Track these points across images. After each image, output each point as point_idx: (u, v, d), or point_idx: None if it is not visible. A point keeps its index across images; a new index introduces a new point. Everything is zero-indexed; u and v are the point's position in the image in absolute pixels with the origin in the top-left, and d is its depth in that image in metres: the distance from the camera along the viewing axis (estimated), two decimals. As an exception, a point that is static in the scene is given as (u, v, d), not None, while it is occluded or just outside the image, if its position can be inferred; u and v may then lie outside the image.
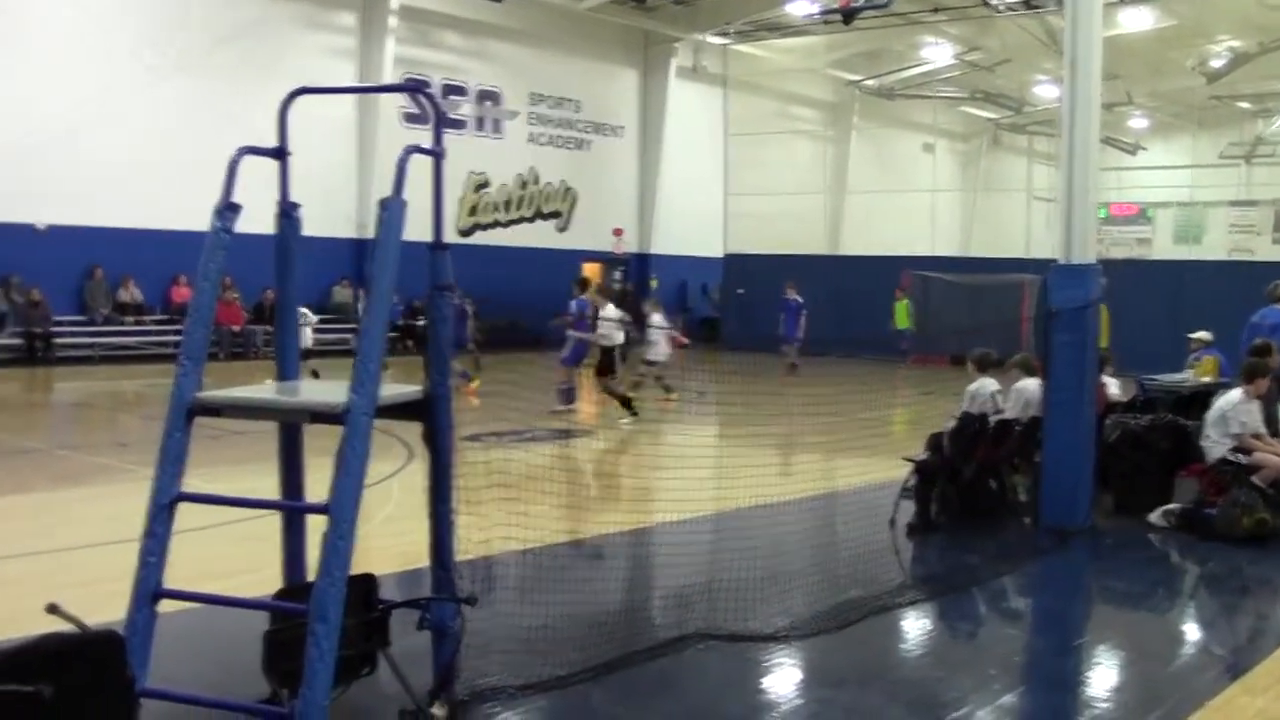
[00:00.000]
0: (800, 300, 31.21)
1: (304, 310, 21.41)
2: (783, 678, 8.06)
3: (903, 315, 36.56)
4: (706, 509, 12.85)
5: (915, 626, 9.51)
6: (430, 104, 8.01)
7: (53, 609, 5.79)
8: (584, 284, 23.16)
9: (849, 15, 31.52)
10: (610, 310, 22.29)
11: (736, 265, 41.87)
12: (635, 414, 20.88)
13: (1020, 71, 45.56)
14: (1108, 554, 12.26)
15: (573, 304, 22.52)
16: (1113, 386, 15.21)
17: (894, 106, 48.63)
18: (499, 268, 35.37)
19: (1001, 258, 37.33)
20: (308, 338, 22.28)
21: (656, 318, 25.54)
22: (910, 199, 46.51)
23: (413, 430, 6.86)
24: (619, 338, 21.94)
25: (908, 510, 12.66)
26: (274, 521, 7.52)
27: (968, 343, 15.63)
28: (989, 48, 42.83)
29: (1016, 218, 50.11)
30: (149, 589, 6.01)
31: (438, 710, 6.69)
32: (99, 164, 30.13)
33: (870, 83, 46.65)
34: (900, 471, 13.02)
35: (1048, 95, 46.20)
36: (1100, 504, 13.18)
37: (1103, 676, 8.49)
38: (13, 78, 29.15)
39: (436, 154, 6.89)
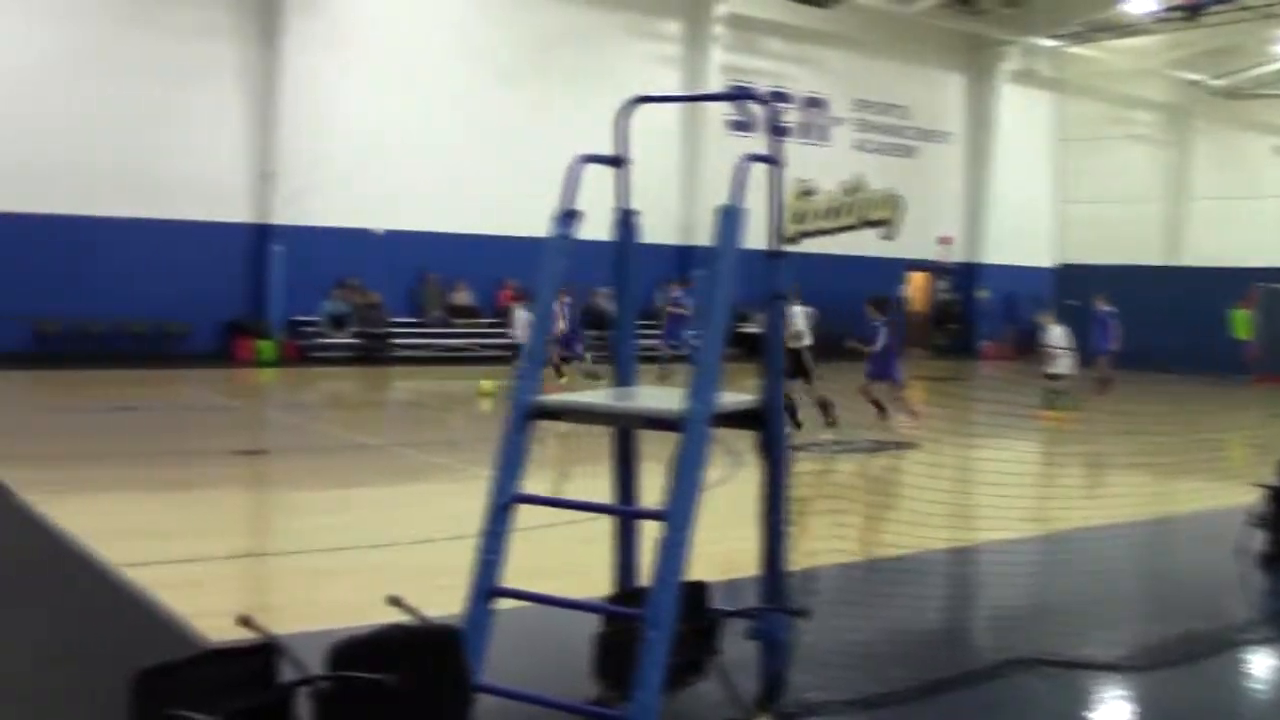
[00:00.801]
0: (1110, 310, 29.36)
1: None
2: (1119, 712, 7.72)
3: (1242, 325, 34.76)
4: (1031, 529, 12.51)
5: (1269, 666, 8.98)
6: (765, 111, 7.99)
7: (395, 601, 5.97)
8: (881, 304, 21.98)
9: (1195, 10, 30.18)
10: (796, 309, 21.31)
11: (1069, 275, 40.68)
12: (832, 424, 19.67)
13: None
14: None
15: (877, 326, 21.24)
16: None
17: (1240, 106, 46.54)
18: (824, 276, 35.22)
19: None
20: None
21: (1057, 331, 24.59)
22: (1260, 206, 44.36)
23: (734, 436, 6.83)
24: (807, 339, 21.05)
25: (1258, 540, 11.96)
26: (599, 525, 7.60)
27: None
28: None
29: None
30: (486, 586, 6.14)
31: (764, 721, 6.66)
32: (433, 171, 31.24)
33: (1215, 83, 44.75)
34: (1247, 497, 12.35)
35: None
36: None
37: None
38: (352, 91, 30.49)
39: (774, 161, 6.85)
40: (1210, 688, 8.18)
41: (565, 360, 25.04)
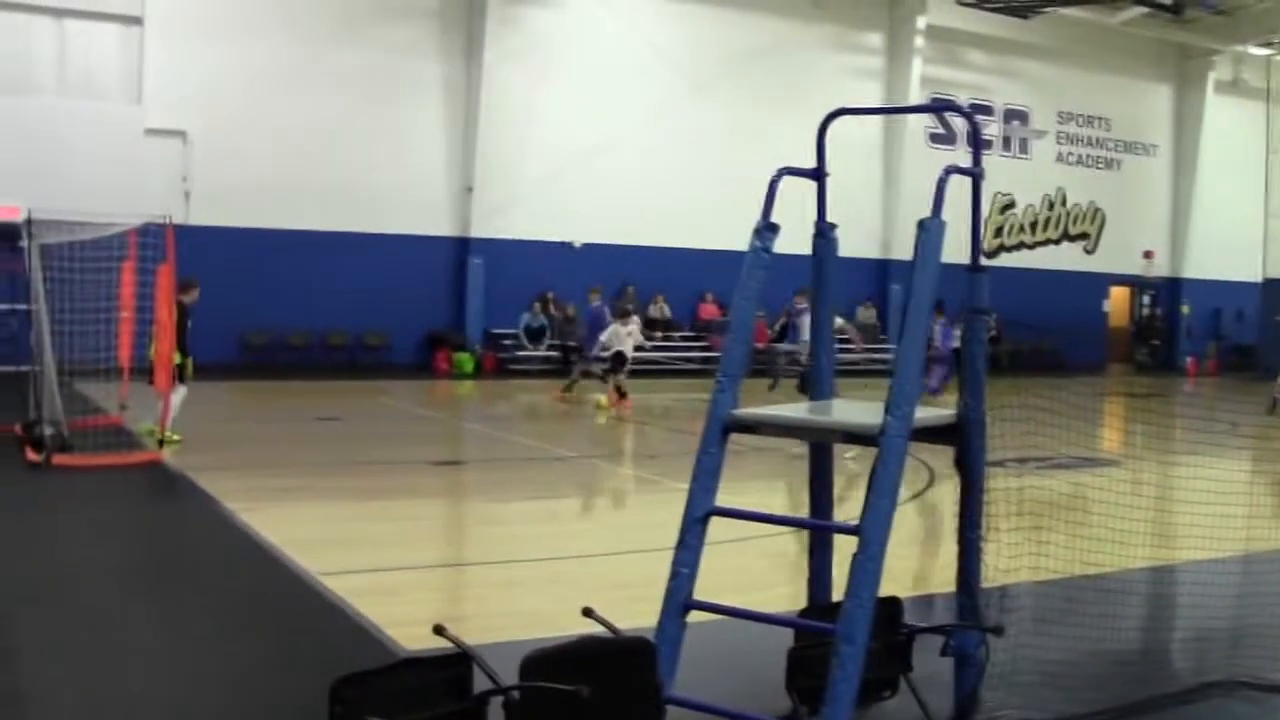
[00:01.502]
0: None
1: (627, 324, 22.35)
2: (1324, 736, 7.54)
3: None
4: (1235, 549, 12.19)
5: None
6: (968, 123, 7.94)
7: (588, 612, 6.06)
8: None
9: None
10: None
11: (1276, 290, 39.54)
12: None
13: None
14: None
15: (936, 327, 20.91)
16: None
17: None
18: (1025, 290, 34.75)
19: None
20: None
21: None
22: None
23: (932, 450, 6.80)
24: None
25: None
26: (791, 539, 7.61)
27: None
28: None
29: None
30: (680, 599, 6.18)
31: (958, 739, 6.62)
32: (631, 185, 31.50)
33: None
34: None
35: None
36: None
37: None
38: (550, 105, 30.93)
39: (975, 174, 6.82)
40: None
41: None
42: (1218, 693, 7.90)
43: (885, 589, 6.83)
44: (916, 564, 11.06)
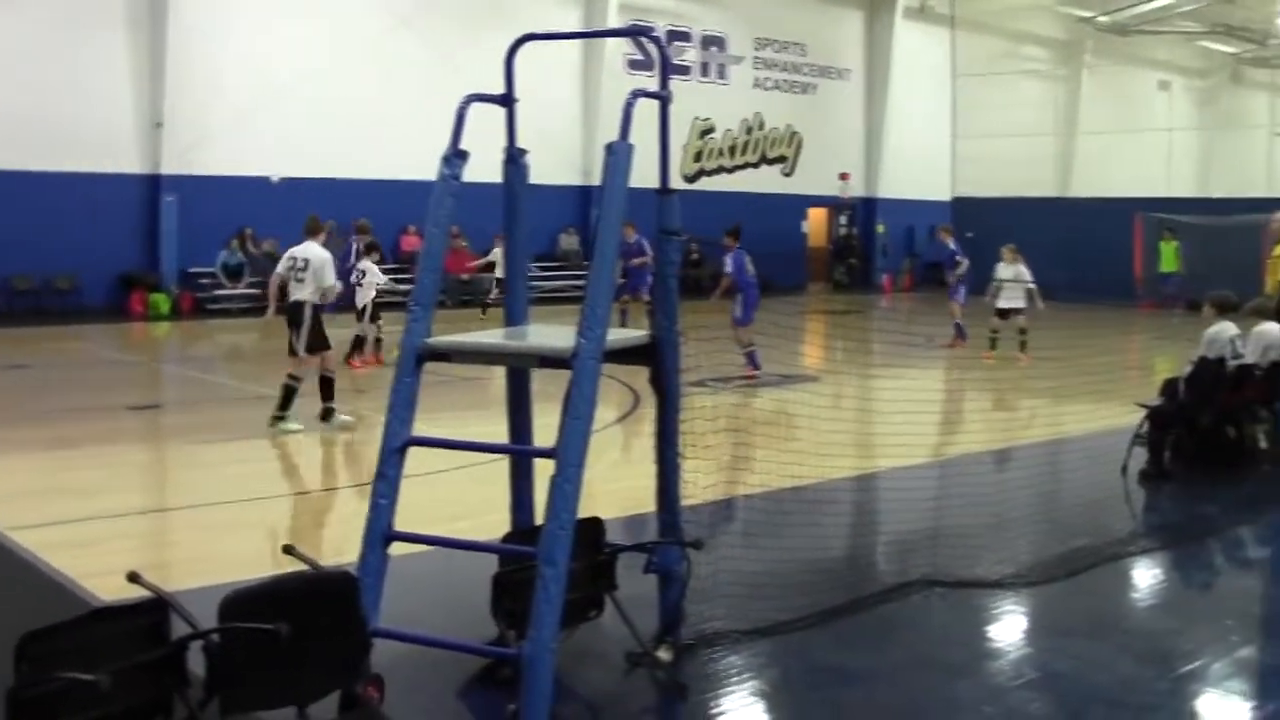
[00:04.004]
0: (953, 247, 26.54)
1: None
2: (1009, 626, 7.95)
3: (1170, 258, 35.03)
4: (931, 455, 12.69)
5: (1148, 576, 9.28)
6: (655, 47, 7.99)
7: (289, 550, 5.98)
8: (736, 234, 20.00)
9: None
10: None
11: (965, 209, 41.06)
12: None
13: (1264, 3, 43.66)
14: (1353, 503, 11.77)
15: (728, 259, 19.82)
16: None
17: (1128, 43, 47.04)
18: (724, 213, 35.28)
19: (1242, 198, 35.93)
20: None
21: (1020, 268, 22.39)
22: (1145, 139, 44.99)
23: (637, 375, 6.88)
24: None
25: (1141, 458, 12.31)
26: (501, 466, 7.63)
27: (1204, 286, 15.02)
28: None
29: (1258, 156, 48.17)
30: (380, 531, 6.14)
31: (663, 653, 6.74)
32: (329, 116, 30.84)
33: (1104, 19, 45.16)
34: (1133, 418, 12.66)
35: (1294, 28, 44.15)
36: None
37: (1348, 631, 8.18)
38: (245, 34, 29.96)
39: (663, 97, 6.89)
40: (1092, 597, 8.43)
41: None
42: (913, 591, 8.26)
43: (595, 511, 6.93)
44: (626, 485, 11.21)
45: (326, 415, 14.36)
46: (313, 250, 14.64)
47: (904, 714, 6.38)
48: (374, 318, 20.22)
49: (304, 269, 14.32)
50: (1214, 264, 27.11)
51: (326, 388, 14.49)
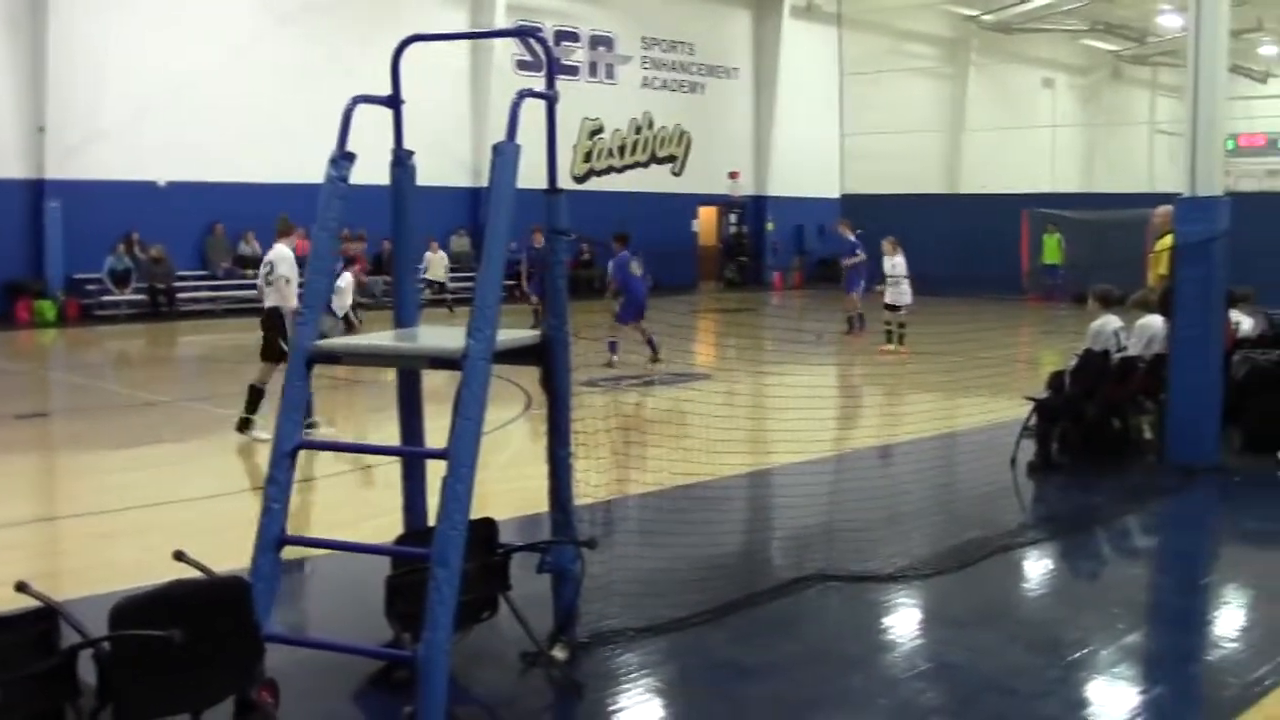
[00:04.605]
0: (853, 239, 26.81)
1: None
2: (903, 618, 8.03)
3: (1053, 250, 35.59)
4: (826, 450, 12.80)
5: (1037, 567, 9.42)
6: (541, 47, 8.00)
7: (180, 556, 5.91)
8: (623, 238, 20.63)
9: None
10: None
11: (854, 206, 41.38)
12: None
13: (1143, 0, 44.53)
14: (1235, 492, 12.03)
15: (611, 262, 20.67)
16: (1245, 323, 14.88)
17: (1012, 41, 47.79)
18: (615, 213, 35.35)
19: (1124, 193, 36.53)
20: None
21: (898, 259, 23.22)
22: (1030, 135, 45.70)
23: (532, 377, 6.88)
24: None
25: (1029, 450, 12.50)
26: (397, 468, 7.60)
27: (1090, 279, 15.29)
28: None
29: (1139, 152, 49.11)
30: (272, 535, 6.10)
31: (559, 652, 6.75)
32: (217, 120, 30.48)
33: (988, 17, 45.80)
34: (1021, 411, 12.86)
35: (1172, 25, 44.92)
36: (1228, 442, 12.90)
37: (1230, 616, 8.37)
38: (130, 37, 29.53)
39: (549, 97, 6.89)
40: (983, 588, 8.56)
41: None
42: (808, 586, 8.33)
43: (488, 512, 6.92)
44: (520, 486, 11.20)
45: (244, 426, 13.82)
46: (279, 252, 14.11)
47: (800, 707, 6.43)
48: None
49: (270, 272, 13.88)
50: (1100, 258, 27.52)
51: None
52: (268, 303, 13.80)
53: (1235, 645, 7.49)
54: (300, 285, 18.75)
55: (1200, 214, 12.27)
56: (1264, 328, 15.68)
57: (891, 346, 22.65)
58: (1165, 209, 13.44)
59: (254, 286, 22.25)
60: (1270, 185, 47.04)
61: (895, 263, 23.11)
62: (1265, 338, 15.05)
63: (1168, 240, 12.86)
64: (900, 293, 22.86)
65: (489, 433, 6.12)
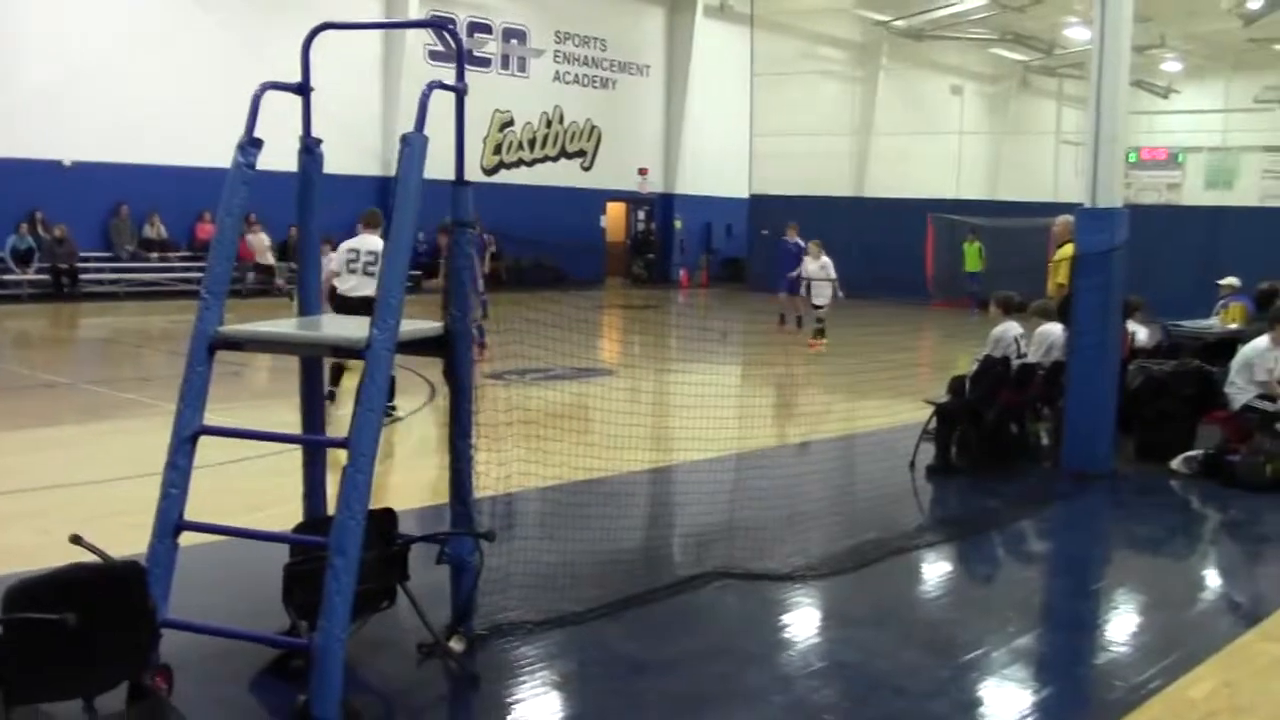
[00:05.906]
0: (801, 244, 27.36)
1: None
2: (799, 617, 8.10)
3: (974, 258, 35.85)
4: (728, 449, 12.88)
5: (933, 568, 9.54)
6: (452, 39, 7.98)
7: (76, 540, 5.85)
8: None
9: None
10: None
11: (762, 206, 41.62)
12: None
13: (1051, 13, 44.92)
14: (1128, 499, 12.24)
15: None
16: (1141, 333, 15.14)
17: (922, 48, 48.16)
18: (523, 206, 35.32)
19: (1028, 201, 36.97)
20: None
21: (825, 260, 24.80)
22: (937, 141, 46.10)
23: (436, 368, 6.87)
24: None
25: (928, 453, 12.66)
26: (298, 456, 7.56)
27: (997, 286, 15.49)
28: (1020, -12, 42.33)
29: (1045, 161, 49.69)
30: (170, 521, 6.06)
31: (455, 644, 6.75)
32: (125, 101, 30.08)
33: (899, 23, 46.16)
34: (922, 414, 13.01)
35: (1079, 37, 45.36)
36: (1122, 449, 13.16)
37: (1120, 620, 8.52)
38: (40, 15, 29.09)
39: (459, 89, 6.88)
40: (879, 588, 8.68)
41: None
42: (707, 582, 8.39)
43: (389, 502, 6.92)
44: (418, 476, 11.17)
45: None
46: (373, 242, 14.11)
47: (695, 703, 6.47)
48: None
49: (373, 262, 13.63)
50: (1006, 265, 27.87)
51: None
52: (369, 292, 13.67)
53: (1124, 649, 7.64)
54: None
55: (1100, 224, 12.47)
56: (1160, 338, 15.97)
57: (823, 341, 23.66)
58: (1065, 218, 13.67)
59: (157, 270, 22.08)
60: (1171, 198, 47.74)
61: (823, 263, 24.49)
62: (1161, 348, 15.32)
63: (1068, 250, 13.06)
64: (823, 291, 24.16)
65: (393, 422, 6.12)
